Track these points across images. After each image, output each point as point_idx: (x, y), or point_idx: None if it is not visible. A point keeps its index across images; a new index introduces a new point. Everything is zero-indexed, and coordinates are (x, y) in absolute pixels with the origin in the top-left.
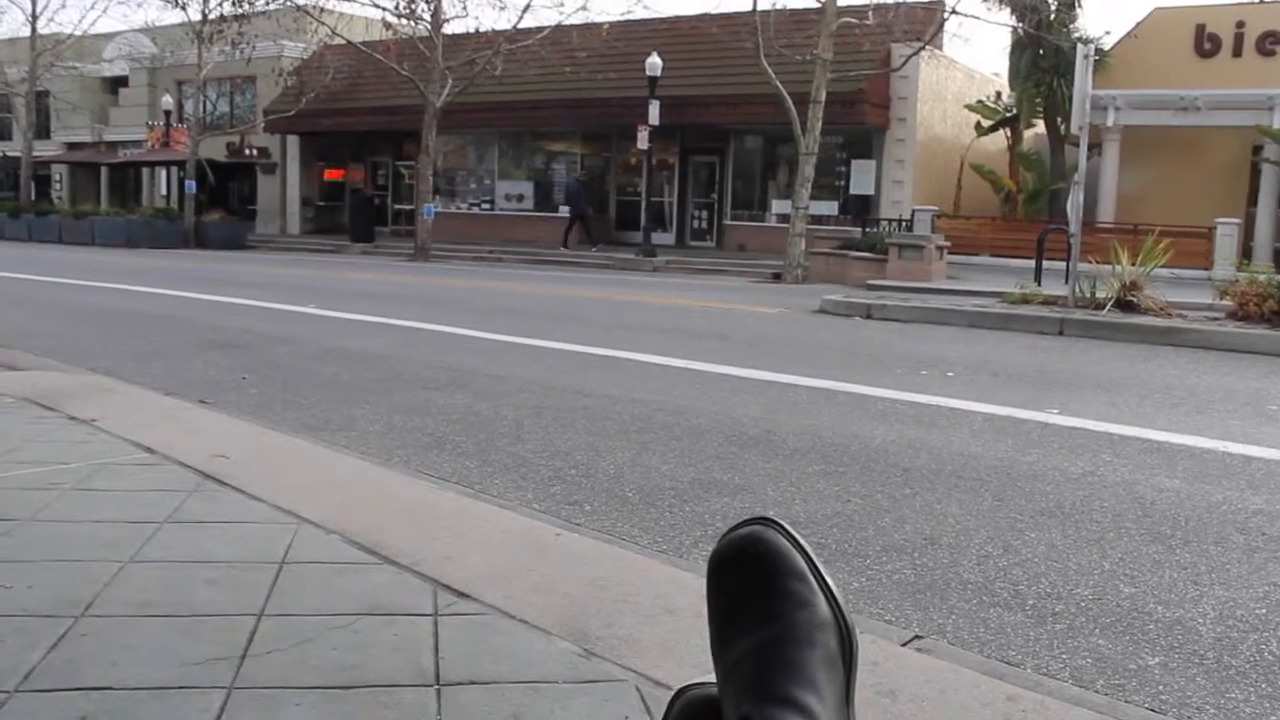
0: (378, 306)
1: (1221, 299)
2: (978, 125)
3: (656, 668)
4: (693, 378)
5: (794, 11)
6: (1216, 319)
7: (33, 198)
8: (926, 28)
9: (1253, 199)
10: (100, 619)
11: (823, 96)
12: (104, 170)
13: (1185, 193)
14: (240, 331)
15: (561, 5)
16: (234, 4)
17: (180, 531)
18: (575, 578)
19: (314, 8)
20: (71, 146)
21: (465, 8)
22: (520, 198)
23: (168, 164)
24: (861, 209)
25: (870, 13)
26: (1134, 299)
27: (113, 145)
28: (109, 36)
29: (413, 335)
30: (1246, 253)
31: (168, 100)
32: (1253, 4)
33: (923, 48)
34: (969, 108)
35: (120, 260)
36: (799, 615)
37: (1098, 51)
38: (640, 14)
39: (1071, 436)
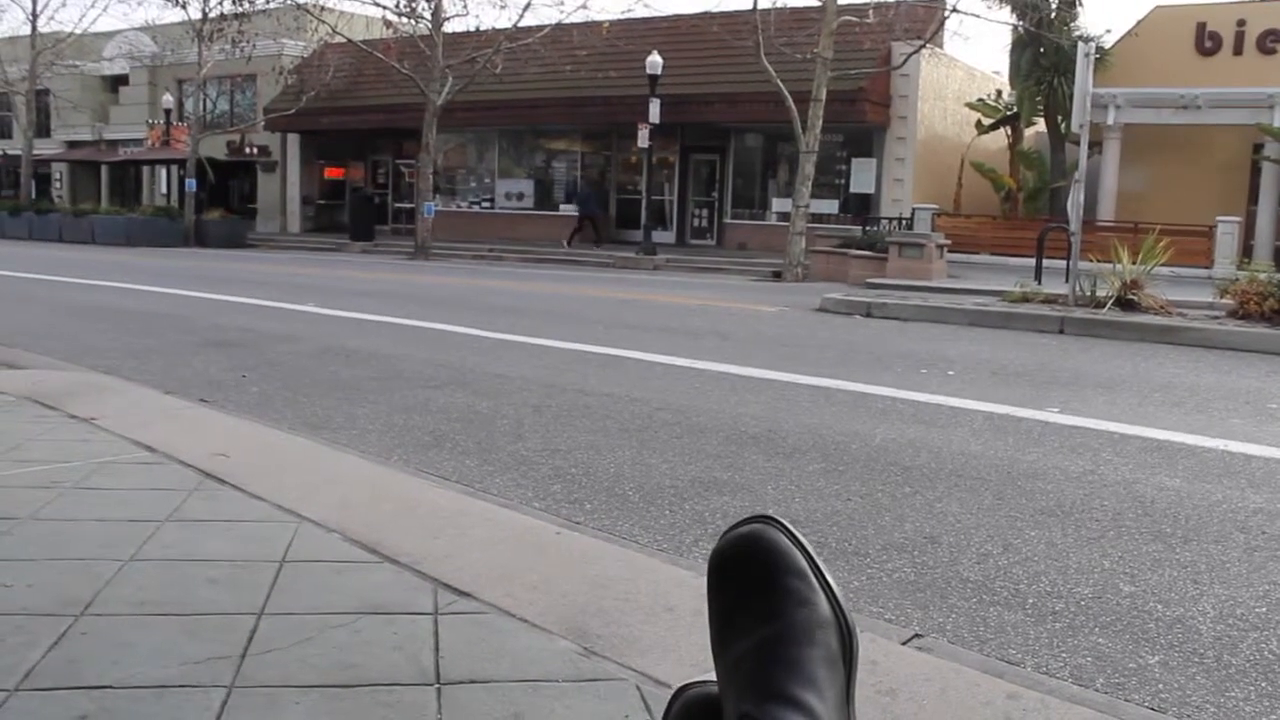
0: (378, 305)
1: (1222, 297)
2: (978, 124)
3: (657, 666)
4: (693, 376)
5: (794, 10)
6: (1217, 317)
7: (33, 196)
8: (927, 26)
9: (1253, 197)
10: (100, 618)
11: (823, 95)
12: (104, 169)
13: (1186, 191)
14: (240, 330)
15: (562, 4)
16: (234, 2)
17: (180, 530)
18: (575, 576)
19: (314, 6)
20: (72, 145)
21: (465, 6)
22: (520, 196)
23: (168, 162)
24: (862, 207)
25: (871, 11)
26: (1134, 298)
27: (113, 144)
28: (109, 35)
29: (413, 333)
30: (1247, 251)
31: (168, 99)
32: (1253, 2)
33: (923, 46)
34: (969, 106)
35: (120, 259)
36: (799, 614)
37: (1098, 50)
38: (641, 12)
39: (1072, 435)
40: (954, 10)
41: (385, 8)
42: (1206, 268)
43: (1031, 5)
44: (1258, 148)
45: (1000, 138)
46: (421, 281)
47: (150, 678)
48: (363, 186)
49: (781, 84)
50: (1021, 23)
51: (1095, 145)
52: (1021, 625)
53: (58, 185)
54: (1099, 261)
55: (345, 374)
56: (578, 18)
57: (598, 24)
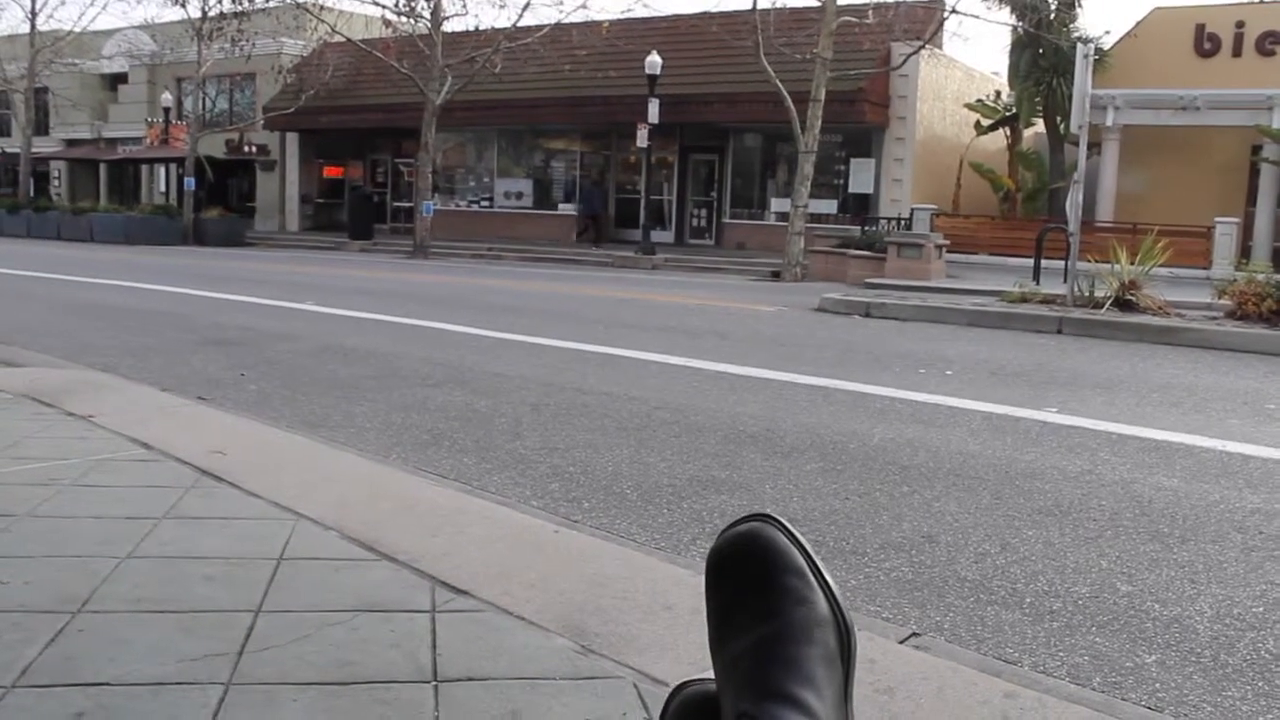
0: (376, 303)
1: (1220, 298)
2: (977, 124)
3: (654, 664)
4: (691, 375)
5: (794, 10)
6: (1215, 318)
7: (32, 194)
8: (926, 27)
9: (1251, 199)
10: (97, 615)
11: (822, 95)
12: (103, 167)
13: (1184, 192)
14: (239, 328)
15: (561, 3)
16: (234, 1)
17: (178, 527)
18: (573, 574)
19: (314, 5)
20: (71, 143)
21: (465, 5)
22: (519, 195)
23: (167, 161)
24: (861, 207)
25: (870, 12)
26: (1133, 298)
27: (112, 142)
28: (108, 33)
29: (411, 332)
30: (1245, 252)
31: (167, 97)
32: (1252, 4)
33: (922, 46)
34: (968, 107)
35: (119, 257)
36: (797, 612)
37: (1097, 51)
38: (640, 12)
39: (1069, 435)
40: (953, 11)
41: (384, 7)
42: (1205, 269)
43: (1031, 6)
44: (1256, 149)
45: (999, 138)
46: (420, 280)
47: (147, 675)
48: (361, 185)
49: (780, 84)
50: (1021, 24)
51: (1094, 146)
52: (1019, 624)
53: (56, 183)
54: (1097, 262)
55: (343, 372)
56: (577, 17)
57: (597, 24)
